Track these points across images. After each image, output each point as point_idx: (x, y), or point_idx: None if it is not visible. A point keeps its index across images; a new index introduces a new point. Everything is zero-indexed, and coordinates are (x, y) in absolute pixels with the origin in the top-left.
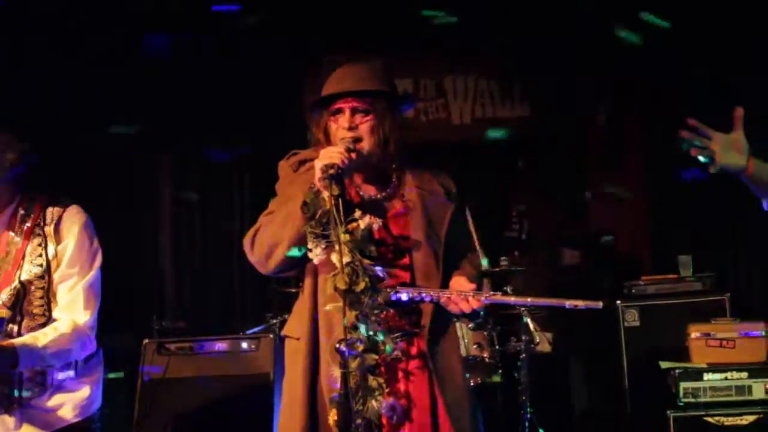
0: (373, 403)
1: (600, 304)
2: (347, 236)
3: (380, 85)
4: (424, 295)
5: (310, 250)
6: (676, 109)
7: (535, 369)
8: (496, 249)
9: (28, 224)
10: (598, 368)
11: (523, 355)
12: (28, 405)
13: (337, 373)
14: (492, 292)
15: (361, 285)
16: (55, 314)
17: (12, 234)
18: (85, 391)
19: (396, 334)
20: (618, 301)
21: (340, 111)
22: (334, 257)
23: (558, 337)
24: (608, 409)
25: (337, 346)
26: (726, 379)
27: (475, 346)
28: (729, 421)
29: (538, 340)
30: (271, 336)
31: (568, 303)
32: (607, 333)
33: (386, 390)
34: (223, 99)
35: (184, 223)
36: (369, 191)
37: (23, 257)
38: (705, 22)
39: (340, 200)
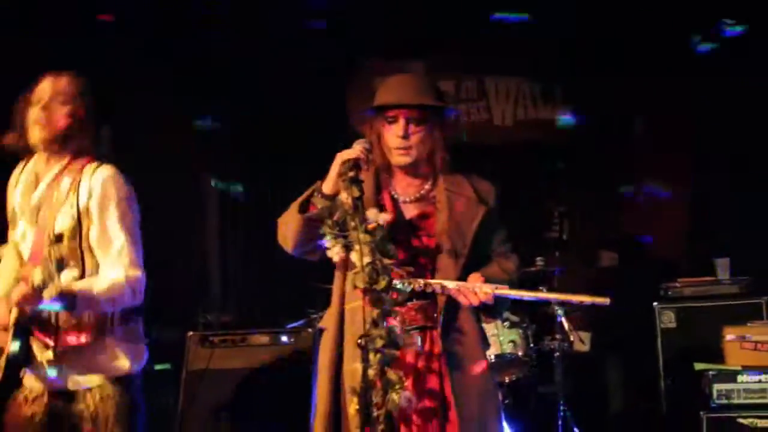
0: (393, 395)
1: (607, 301)
2: (367, 237)
3: (434, 99)
4: (434, 285)
5: (328, 249)
6: (717, 112)
7: (571, 368)
8: (537, 250)
9: (71, 179)
10: (634, 369)
11: (557, 354)
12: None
13: (357, 366)
14: (502, 286)
15: (382, 284)
16: (103, 266)
17: (54, 189)
18: (121, 350)
19: (411, 327)
20: (655, 303)
21: (394, 119)
22: (354, 256)
23: (595, 337)
24: (643, 409)
25: (359, 341)
26: (760, 381)
27: (509, 344)
28: (762, 423)
29: (572, 339)
30: (311, 330)
31: (576, 299)
32: (644, 334)
33: (405, 383)
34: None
35: (229, 217)
36: (403, 194)
37: (61, 209)
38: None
39: (359, 202)
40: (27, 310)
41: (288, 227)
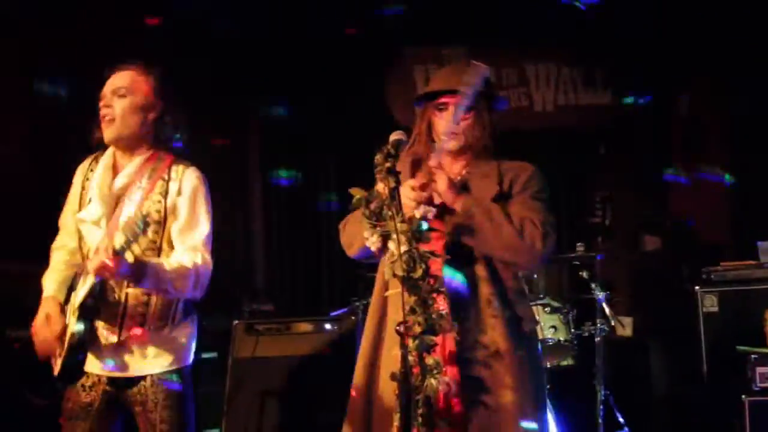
0: (432, 380)
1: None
2: (404, 226)
3: (483, 86)
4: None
5: (366, 238)
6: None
7: (614, 353)
8: (580, 235)
9: (156, 174)
10: (677, 353)
11: (598, 338)
12: (124, 344)
13: (397, 352)
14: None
15: (419, 272)
16: (178, 251)
17: (139, 180)
18: (180, 341)
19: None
20: (697, 287)
21: (445, 106)
22: (392, 245)
23: (637, 322)
24: (686, 393)
25: (397, 328)
26: None
27: (550, 329)
28: None
29: (613, 324)
30: (353, 317)
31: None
32: (687, 318)
33: (444, 369)
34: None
35: (274, 207)
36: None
37: (145, 199)
38: None
39: (395, 192)
40: (107, 276)
41: (355, 239)
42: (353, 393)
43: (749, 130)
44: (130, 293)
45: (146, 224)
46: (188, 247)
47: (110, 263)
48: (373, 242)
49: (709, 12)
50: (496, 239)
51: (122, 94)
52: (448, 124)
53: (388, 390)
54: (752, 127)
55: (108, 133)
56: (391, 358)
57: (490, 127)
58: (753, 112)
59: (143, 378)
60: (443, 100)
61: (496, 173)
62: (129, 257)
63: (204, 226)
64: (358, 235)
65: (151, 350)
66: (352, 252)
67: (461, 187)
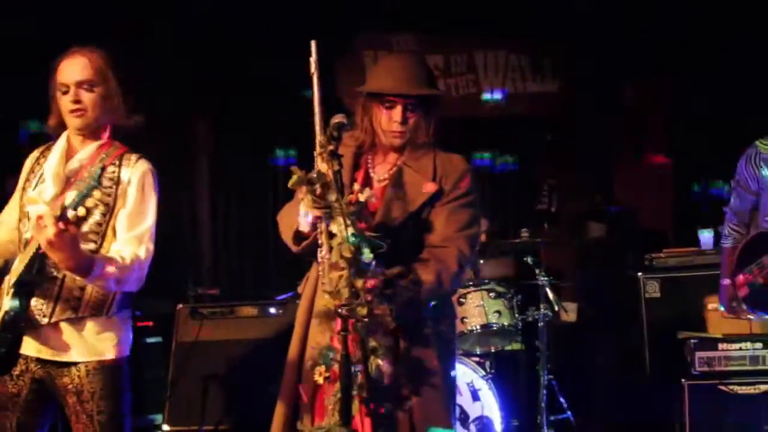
0: (377, 361)
1: None
2: (351, 208)
3: (430, 86)
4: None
5: (301, 217)
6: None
7: (558, 338)
8: (527, 222)
9: (108, 160)
10: (620, 338)
11: (541, 323)
12: (56, 326)
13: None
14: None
15: (368, 255)
16: (116, 246)
17: (91, 165)
18: (116, 331)
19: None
20: (640, 273)
21: (392, 105)
22: (335, 228)
23: (582, 307)
24: (628, 377)
25: (339, 310)
26: (740, 349)
27: (495, 314)
28: (742, 389)
29: (557, 310)
30: (298, 302)
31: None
32: (629, 304)
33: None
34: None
35: (221, 191)
36: (379, 172)
37: (97, 186)
38: None
39: (339, 175)
40: (55, 241)
41: (287, 243)
42: (286, 371)
43: (691, 120)
44: (68, 275)
45: (99, 181)
46: (132, 237)
47: (54, 225)
48: (307, 222)
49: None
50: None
51: (89, 87)
52: (394, 123)
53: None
54: (693, 117)
55: (78, 122)
56: (318, 337)
57: (434, 125)
58: (694, 102)
59: (77, 368)
60: (391, 98)
61: (431, 167)
62: (81, 211)
63: (150, 218)
64: (291, 223)
65: (85, 338)
66: (288, 243)
67: (396, 178)
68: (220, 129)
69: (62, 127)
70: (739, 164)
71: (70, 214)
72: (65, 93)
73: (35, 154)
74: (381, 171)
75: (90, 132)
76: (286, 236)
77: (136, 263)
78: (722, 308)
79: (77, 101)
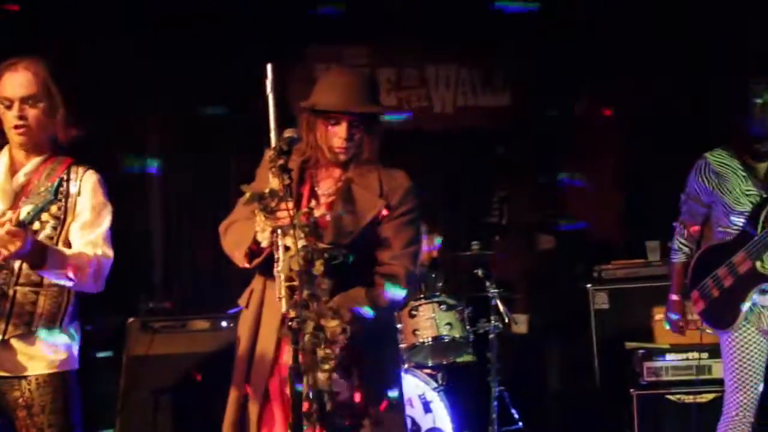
0: (320, 375)
1: None
2: (302, 221)
3: (376, 104)
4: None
5: (258, 232)
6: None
7: (509, 350)
8: (477, 234)
9: (55, 173)
10: (570, 349)
11: (492, 335)
12: (7, 343)
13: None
14: None
15: (319, 267)
16: (78, 244)
17: (37, 179)
18: (67, 344)
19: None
20: (589, 285)
21: (337, 122)
22: (289, 241)
23: (533, 319)
24: (579, 388)
25: (290, 323)
26: (687, 359)
27: (446, 326)
28: (689, 399)
29: (507, 321)
30: None
31: None
32: (579, 315)
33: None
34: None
35: (173, 200)
36: (324, 187)
37: (44, 200)
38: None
39: (289, 188)
40: (11, 250)
41: (238, 245)
42: (233, 384)
43: (639, 134)
44: (18, 290)
45: (49, 204)
46: (87, 242)
47: (14, 234)
48: (265, 237)
49: (606, 15)
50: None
51: (34, 103)
52: (339, 140)
53: (261, 374)
54: (642, 130)
55: (23, 139)
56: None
57: (378, 141)
58: (643, 115)
59: (27, 381)
60: (335, 115)
61: (377, 183)
62: (36, 226)
63: (105, 223)
64: (242, 239)
65: (37, 351)
66: (238, 259)
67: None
68: (171, 139)
69: (2, 140)
70: (689, 177)
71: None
72: (8, 108)
73: None
74: (325, 186)
75: (33, 146)
76: (235, 251)
77: (94, 258)
78: (667, 325)
79: (22, 117)
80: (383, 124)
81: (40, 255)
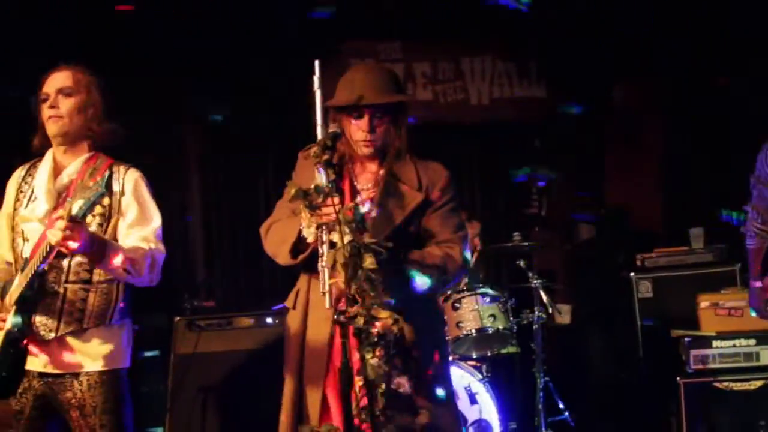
0: (372, 367)
1: None
2: (348, 216)
3: (396, 92)
4: None
5: (304, 228)
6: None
7: (553, 340)
8: (517, 226)
9: (97, 173)
10: (614, 338)
11: (536, 326)
12: (61, 340)
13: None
14: None
15: (368, 261)
16: (131, 238)
17: (81, 179)
18: (118, 342)
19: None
20: (632, 274)
21: (360, 115)
22: (335, 236)
23: (576, 309)
24: (624, 377)
25: (337, 317)
26: (734, 346)
27: (489, 318)
28: (737, 386)
29: (551, 312)
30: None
31: None
32: (622, 304)
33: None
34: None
35: (213, 203)
36: (362, 182)
37: (89, 199)
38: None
39: (334, 184)
40: (71, 247)
41: (278, 256)
42: (287, 384)
43: (680, 121)
44: (69, 288)
45: (107, 187)
46: (140, 238)
47: (70, 229)
48: (311, 233)
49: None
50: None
51: (68, 93)
52: (362, 133)
53: (314, 371)
54: (683, 117)
55: (54, 128)
56: (317, 339)
57: (404, 131)
58: (683, 103)
59: (79, 381)
60: (357, 109)
61: (414, 176)
62: (93, 219)
63: (156, 220)
64: (286, 237)
65: (89, 349)
66: (281, 256)
67: (383, 187)
68: (210, 141)
69: (46, 146)
70: (758, 160)
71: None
72: (44, 101)
73: (19, 173)
74: (364, 181)
75: (69, 142)
76: (279, 250)
77: (148, 253)
78: (754, 313)
79: (54, 107)
80: (407, 113)
81: (99, 249)
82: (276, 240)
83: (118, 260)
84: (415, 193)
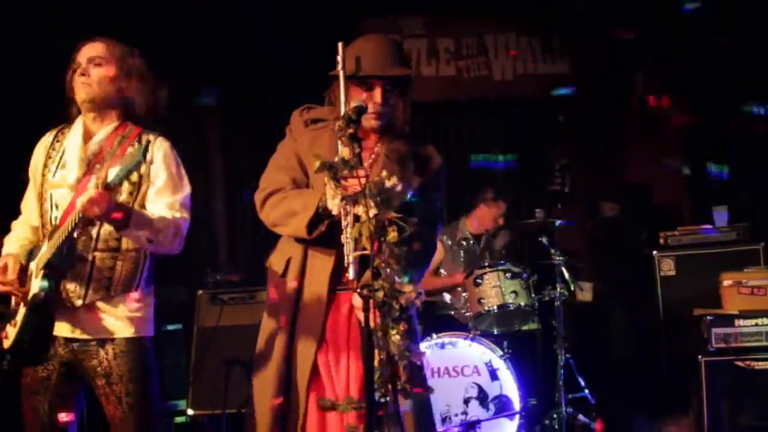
0: (393, 340)
1: None
2: (374, 189)
3: (407, 68)
4: None
5: (330, 199)
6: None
7: (575, 317)
8: (540, 203)
9: (126, 141)
10: (636, 316)
11: (557, 303)
12: (89, 307)
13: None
14: None
15: (392, 235)
16: (156, 207)
17: (110, 147)
18: (144, 310)
19: None
20: (654, 252)
21: (371, 87)
22: (360, 209)
23: (598, 286)
24: (645, 355)
25: (360, 291)
26: (756, 325)
27: (511, 294)
28: (759, 365)
29: (573, 289)
30: None
31: None
32: (645, 282)
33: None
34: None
35: (235, 177)
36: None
37: (121, 167)
38: None
39: (359, 157)
40: (95, 213)
41: (286, 227)
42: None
43: (703, 102)
44: (97, 256)
45: (144, 156)
46: (166, 204)
47: (99, 198)
48: (335, 204)
49: None
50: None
51: (98, 63)
52: (374, 104)
53: (307, 341)
54: (707, 97)
55: (83, 94)
56: (313, 310)
57: (409, 109)
58: (705, 83)
59: (105, 350)
60: (369, 81)
61: (410, 158)
62: (125, 187)
63: (184, 189)
64: (303, 208)
65: (116, 315)
66: (293, 227)
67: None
68: (231, 115)
69: (77, 115)
70: None
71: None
72: (76, 69)
73: (47, 139)
74: (364, 154)
75: (98, 109)
76: (289, 221)
77: (172, 222)
78: None
79: (84, 74)
80: (413, 90)
81: (124, 217)
82: (285, 210)
83: (141, 231)
84: (412, 176)
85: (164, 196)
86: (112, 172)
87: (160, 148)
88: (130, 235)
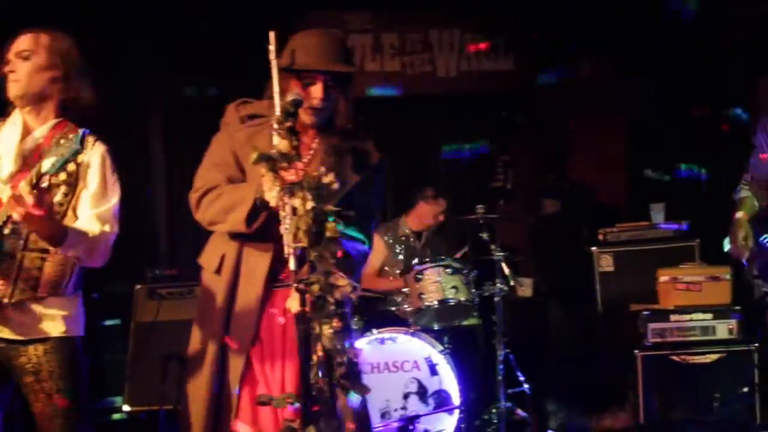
0: (327, 334)
1: None
2: (312, 182)
3: (349, 64)
4: None
5: (266, 192)
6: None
7: (515, 313)
8: (482, 199)
9: (66, 143)
10: (575, 311)
11: (497, 298)
12: (16, 306)
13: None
14: None
15: (331, 228)
16: (85, 218)
17: (47, 145)
18: (72, 311)
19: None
20: (593, 248)
21: (312, 82)
22: (297, 202)
23: (538, 282)
24: (584, 350)
25: (297, 285)
26: (691, 320)
27: (452, 290)
28: (694, 359)
29: (512, 284)
30: None
31: None
32: (584, 278)
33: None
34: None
35: (176, 169)
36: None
37: (55, 166)
38: None
39: (297, 150)
40: (20, 214)
41: (224, 223)
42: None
43: (645, 96)
44: (26, 256)
45: (82, 144)
46: (95, 215)
47: (30, 195)
48: (273, 197)
49: None
50: None
51: (26, 57)
52: (316, 99)
53: (241, 339)
54: (648, 93)
55: (13, 90)
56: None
57: (350, 105)
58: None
59: (34, 347)
60: (310, 75)
61: (350, 154)
62: (61, 177)
63: (114, 198)
64: (239, 202)
65: (45, 316)
66: (232, 222)
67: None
68: (173, 107)
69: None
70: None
71: (44, 183)
72: (6, 64)
73: None
74: (301, 153)
75: (31, 104)
76: (227, 217)
77: (102, 237)
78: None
79: (12, 71)
80: (353, 86)
81: (60, 234)
82: (223, 206)
83: (72, 250)
84: (351, 174)
85: (95, 203)
86: (48, 162)
87: (97, 152)
88: (64, 252)
